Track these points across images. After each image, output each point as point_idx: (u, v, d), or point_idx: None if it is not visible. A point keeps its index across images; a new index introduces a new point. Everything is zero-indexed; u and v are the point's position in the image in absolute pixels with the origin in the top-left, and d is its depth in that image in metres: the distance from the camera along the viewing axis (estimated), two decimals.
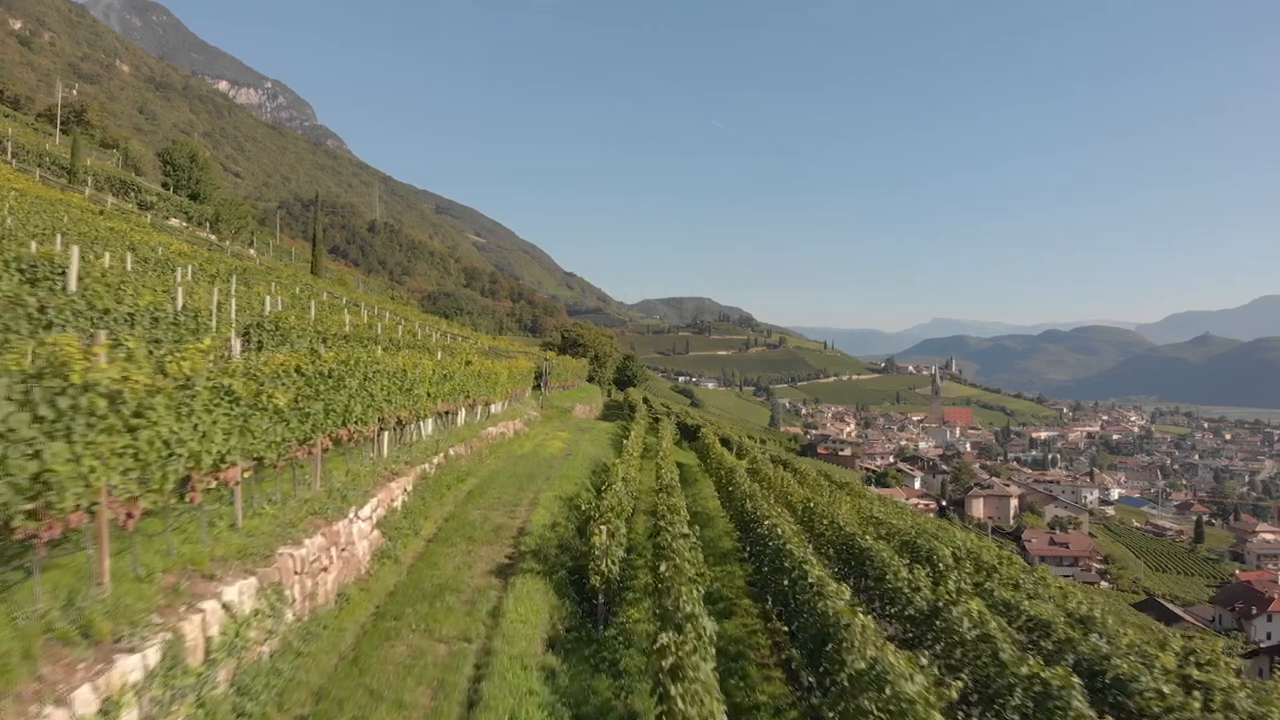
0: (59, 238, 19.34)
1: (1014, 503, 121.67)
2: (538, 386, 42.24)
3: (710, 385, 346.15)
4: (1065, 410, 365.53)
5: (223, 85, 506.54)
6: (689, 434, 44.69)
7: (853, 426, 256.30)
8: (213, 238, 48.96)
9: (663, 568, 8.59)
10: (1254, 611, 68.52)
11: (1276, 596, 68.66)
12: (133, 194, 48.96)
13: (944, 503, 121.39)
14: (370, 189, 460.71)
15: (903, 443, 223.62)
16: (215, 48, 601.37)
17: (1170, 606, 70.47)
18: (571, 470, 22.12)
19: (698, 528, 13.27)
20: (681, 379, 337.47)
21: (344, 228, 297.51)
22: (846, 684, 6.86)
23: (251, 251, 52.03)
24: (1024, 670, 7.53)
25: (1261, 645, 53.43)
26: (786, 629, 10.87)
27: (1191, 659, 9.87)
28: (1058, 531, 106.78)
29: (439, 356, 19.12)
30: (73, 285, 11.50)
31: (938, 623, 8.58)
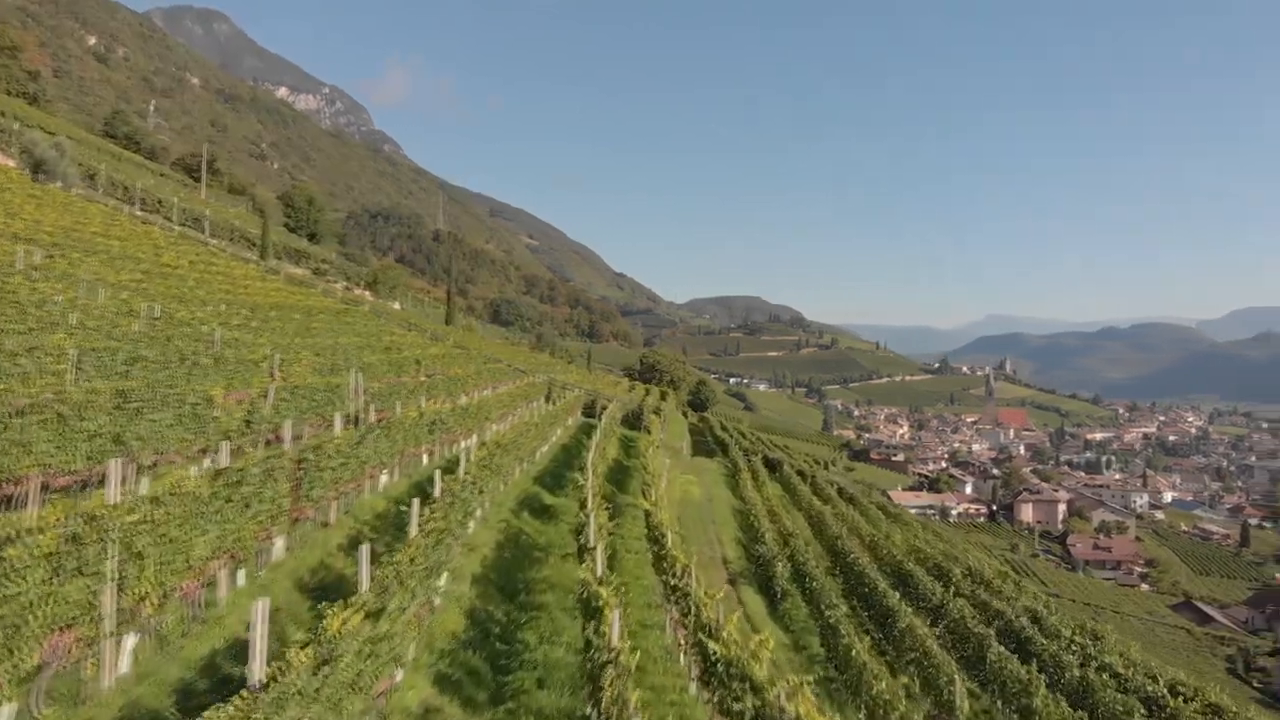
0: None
1: (1062, 508, 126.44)
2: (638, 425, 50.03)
3: (761, 387, 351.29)
4: (1121, 411, 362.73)
5: (283, 92, 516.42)
6: (768, 465, 51.72)
7: (905, 429, 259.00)
8: (368, 295, 58.40)
9: None
10: None
11: None
12: (305, 261, 58.48)
13: (994, 507, 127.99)
14: (430, 196, 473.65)
15: (956, 445, 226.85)
16: (274, 54, 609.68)
17: (1205, 608, 75.83)
18: None
19: None
20: (733, 380, 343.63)
21: (410, 237, 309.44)
22: None
23: (396, 305, 61.62)
24: None
25: None
26: None
27: None
28: (1103, 536, 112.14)
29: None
30: None
31: None
